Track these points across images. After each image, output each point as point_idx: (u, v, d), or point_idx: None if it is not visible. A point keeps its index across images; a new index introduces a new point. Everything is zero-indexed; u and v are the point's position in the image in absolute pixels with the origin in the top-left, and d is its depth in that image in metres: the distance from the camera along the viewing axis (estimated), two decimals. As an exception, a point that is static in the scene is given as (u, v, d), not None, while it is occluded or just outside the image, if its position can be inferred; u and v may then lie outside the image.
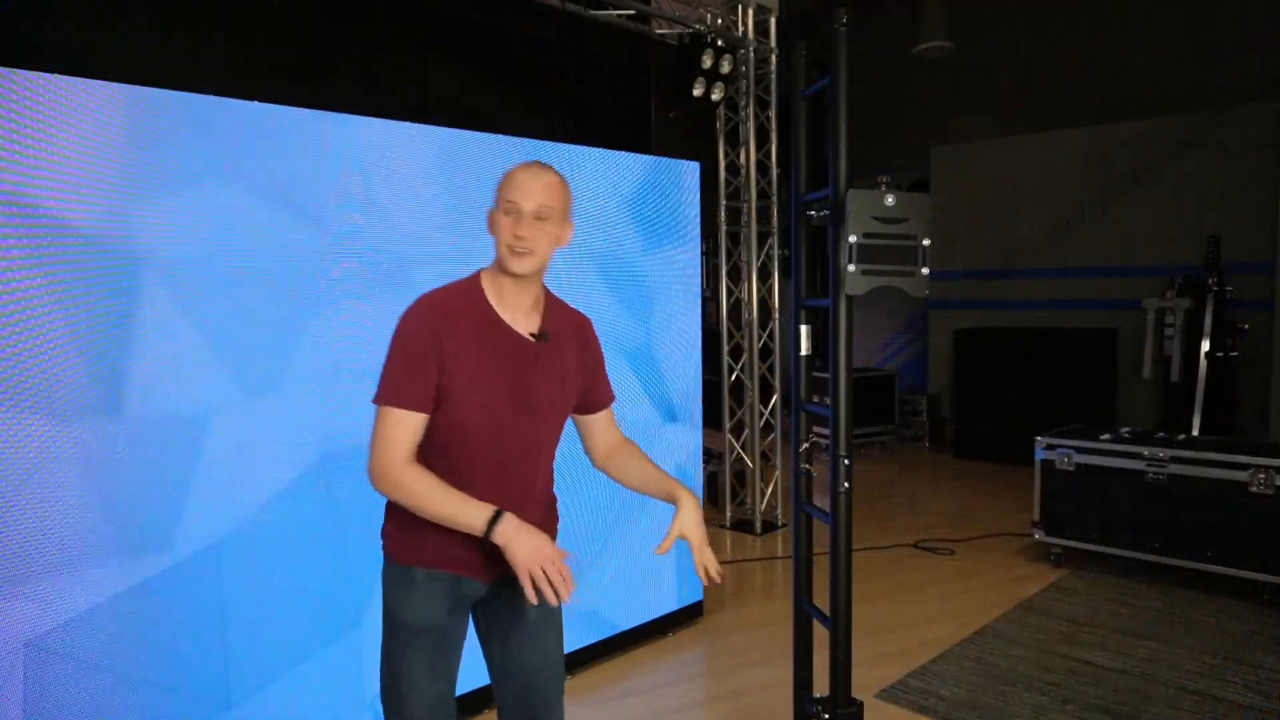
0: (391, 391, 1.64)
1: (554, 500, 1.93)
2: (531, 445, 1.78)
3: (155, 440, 2.33)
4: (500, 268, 1.72)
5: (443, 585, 1.74)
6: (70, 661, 2.22)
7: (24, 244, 2.10)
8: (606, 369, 1.97)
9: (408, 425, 1.64)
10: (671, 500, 1.81)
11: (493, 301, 1.73)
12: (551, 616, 1.89)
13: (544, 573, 1.57)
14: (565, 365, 1.81)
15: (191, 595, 2.41)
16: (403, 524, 1.73)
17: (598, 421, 1.95)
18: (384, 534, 1.80)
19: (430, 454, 1.69)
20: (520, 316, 1.75)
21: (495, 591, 1.81)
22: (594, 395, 1.92)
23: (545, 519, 1.87)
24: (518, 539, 1.59)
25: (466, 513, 1.61)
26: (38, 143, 2.11)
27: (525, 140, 3.13)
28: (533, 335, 1.75)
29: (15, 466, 2.12)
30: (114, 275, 2.24)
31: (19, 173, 2.09)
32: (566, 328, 1.83)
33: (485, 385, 1.68)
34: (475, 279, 1.76)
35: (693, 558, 1.77)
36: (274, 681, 2.58)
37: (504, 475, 1.73)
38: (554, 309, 1.83)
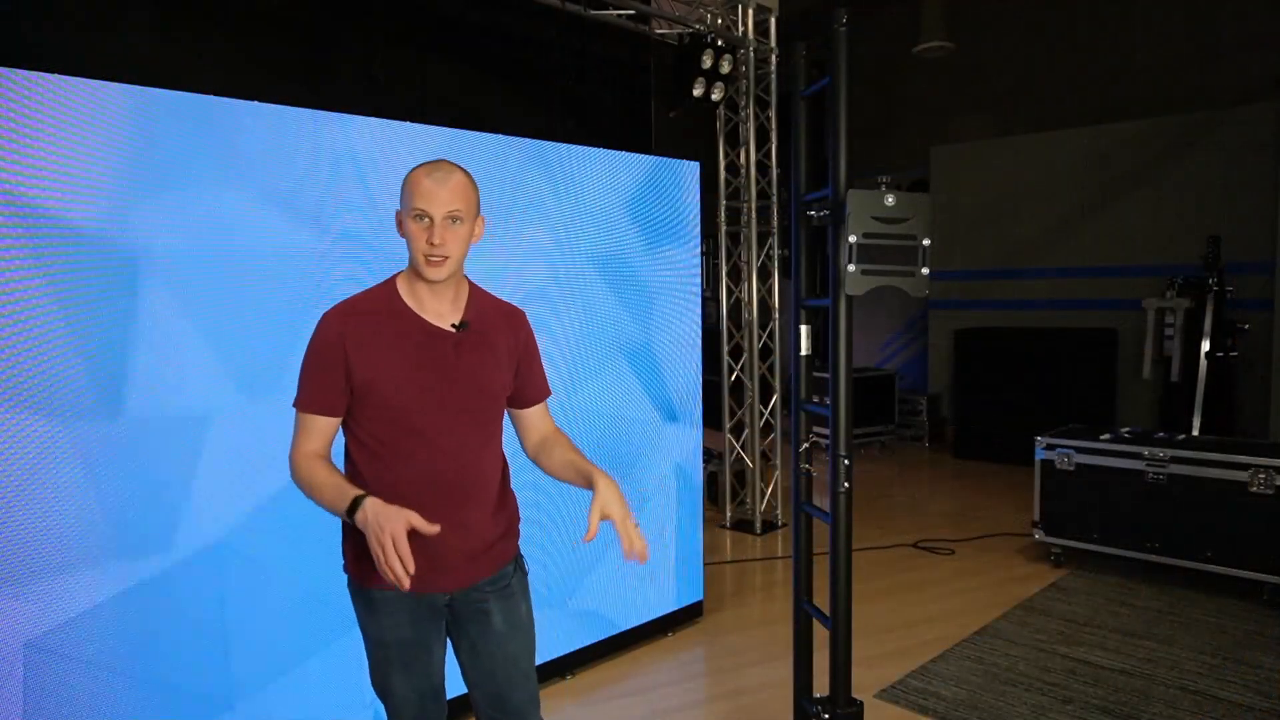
0: (298, 396, 1.73)
1: (508, 496, 1.89)
2: (471, 439, 1.76)
3: (155, 440, 2.33)
4: (416, 274, 1.73)
5: (401, 602, 1.77)
6: (70, 661, 2.22)
7: (24, 244, 2.10)
8: (542, 363, 1.95)
9: (310, 426, 1.71)
10: (589, 485, 1.74)
11: (408, 301, 1.74)
12: (519, 625, 1.87)
13: (384, 547, 1.51)
14: (492, 354, 1.79)
15: (191, 595, 2.41)
16: (356, 546, 1.74)
17: (531, 416, 1.93)
18: (343, 554, 1.84)
19: (366, 454, 1.73)
20: (441, 310, 1.75)
21: (461, 601, 1.83)
22: (526, 389, 1.90)
23: (498, 513, 1.84)
24: (371, 521, 1.54)
25: (337, 500, 1.62)
26: (38, 143, 2.11)
27: (525, 140, 3.13)
28: (453, 326, 1.75)
29: (15, 466, 2.12)
30: (114, 275, 2.25)
31: (19, 173, 2.09)
32: (493, 318, 1.83)
33: (402, 380, 1.69)
34: (390, 281, 1.78)
35: (630, 542, 1.67)
36: (274, 681, 2.59)
37: (438, 470, 1.73)
38: (478, 300, 1.82)
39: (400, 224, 1.72)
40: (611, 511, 1.68)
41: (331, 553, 2.68)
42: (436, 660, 1.87)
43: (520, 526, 1.96)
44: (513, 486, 1.94)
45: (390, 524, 1.52)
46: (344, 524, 1.77)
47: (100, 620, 2.26)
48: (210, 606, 2.44)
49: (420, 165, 1.72)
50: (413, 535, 1.57)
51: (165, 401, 2.34)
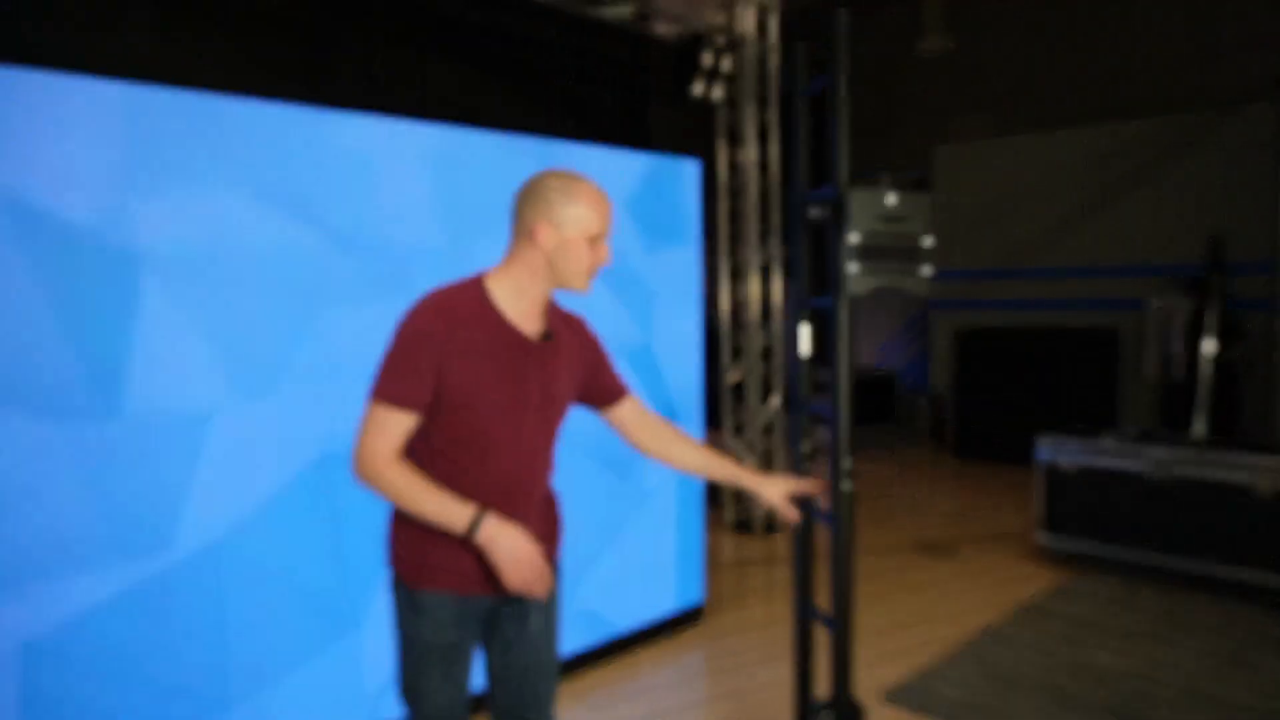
0: (386, 388, 1.63)
1: (553, 495, 1.93)
2: (540, 444, 1.79)
3: (155, 440, 2.32)
4: (565, 284, 1.74)
5: (451, 605, 1.74)
6: (69, 662, 2.21)
7: (24, 244, 2.10)
8: (611, 363, 1.98)
9: (396, 423, 1.63)
10: (740, 485, 1.98)
11: (503, 307, 1.71)
12: (552, 625, 1.90)
13: (522, 573, 1.61)
14: (568, 362, 1.82)
15: (191, 595, 2.40)
16: (409, 544, 1.73)
17: (626, 412, 1.97)
18: (392, 555, 1.78)
19: (440, 456, 1.69)
20: (531, 319, 1.75)
21: (504, 604, 1.82)
22: (608, 386, 1.94)
23: (546, 514, 1.88)
24: (500, 540, 1.61)
25: (448, 512, 1.61)
26: (38, 143, 2.10)
27: (525, 140, 3.13)
28: (540, 335, 1.76)
29: (15, 466, 2.12)
30: (114, 275, 2.24)
31: (19, 173, 2.08)
32: (565, 326, 1.86)
33: (495, 388, 1.68)
34: (479, 282, 1.72)
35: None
36: (274, 681, 2.58)
37: (514, 475, 1.74)
38: (554, 310, 1.85)
39: (563, 242, 1.69)
40: (809, 489, 1.94)
41: (331, 553, 2.68)
42: (468, 667, 1.85)
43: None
44: None
45: (526, 550, 1.62)
46: (394, 522, 1.76)
47: (99, 620, 2.25)
48: (210, 606, 2.44)
49: (586, 185, 1.72)
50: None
51: (165, 401, 2.33)
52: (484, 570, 1.71)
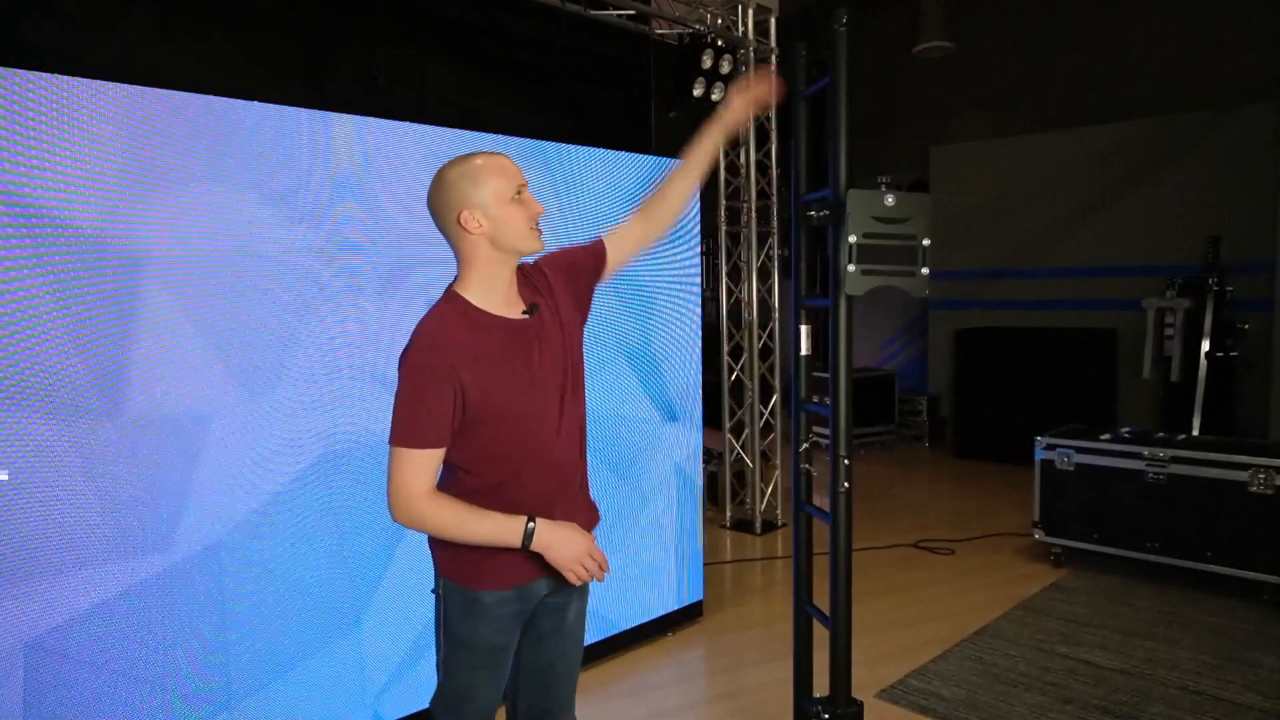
0: (404, 432, 1.62)
1: (587, 480, 1.93)
2: (569, 415, 1.77)
3: (155, 440, 2.33)
4: (521, 251, 1.72)
5: (511, 606, 1.75)
6: (70, 661, 2.22)
7: (24, 244, 2.10)
8: (570, 249, 1.92)
9: (422, 462, 1.62)
10: (709, 138, 1.93)
11: (482, 305, 1.70)
12: (582, 620, 1.93)
13: (584, 566, 1.69)
14: (558, 313, 1.80)
15: (191, 595, 2.41)
16: (464, 549, 1.70)
17: (616, 247, 1.92)
18: (442, 558, 1.76)
19: (487, 463, 1.69)
20: (510, 302, 1.74)
21: (557, 589, 1.81)
22: (590, 268, 1.89)
23: (587, 499, 1.89)
24: (557, 541, 1.67)
25: (500, 531, 1.64)
26: (38, 143, 2.11)
27: (525, 140, 3.13)
28: (524, 313, 1.74)
29: (15, 466, 2.12)
30: (114, 275, 2.24)
31: (19, 173, 2.09)
32: (533, 285, 1.81)
33: (511, 386, 1.67)
34: (453, 296, 1.72)
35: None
36: (274, 681, 2.59)
37: (556, 458, 1.74)
38: (521, 277, 1.80)
39: (493, 217, 1.66)
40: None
41: (331, 553, 2.69)
42: (510, 661, 1.85)
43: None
44: None
45: (584, 544, 1.69)
46: None
47: (100, 620, 2.26)
48: (210, 606, 2.44)
49: (480, 157, 1.71)
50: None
51: (165, 401, 2.34)
52: (541, 559, 1.72)
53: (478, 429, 1.66)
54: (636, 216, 1.92)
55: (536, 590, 1.77)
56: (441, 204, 1.69)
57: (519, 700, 1.90)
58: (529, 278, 1.82)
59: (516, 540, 1.64)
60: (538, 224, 1.71)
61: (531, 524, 1.65)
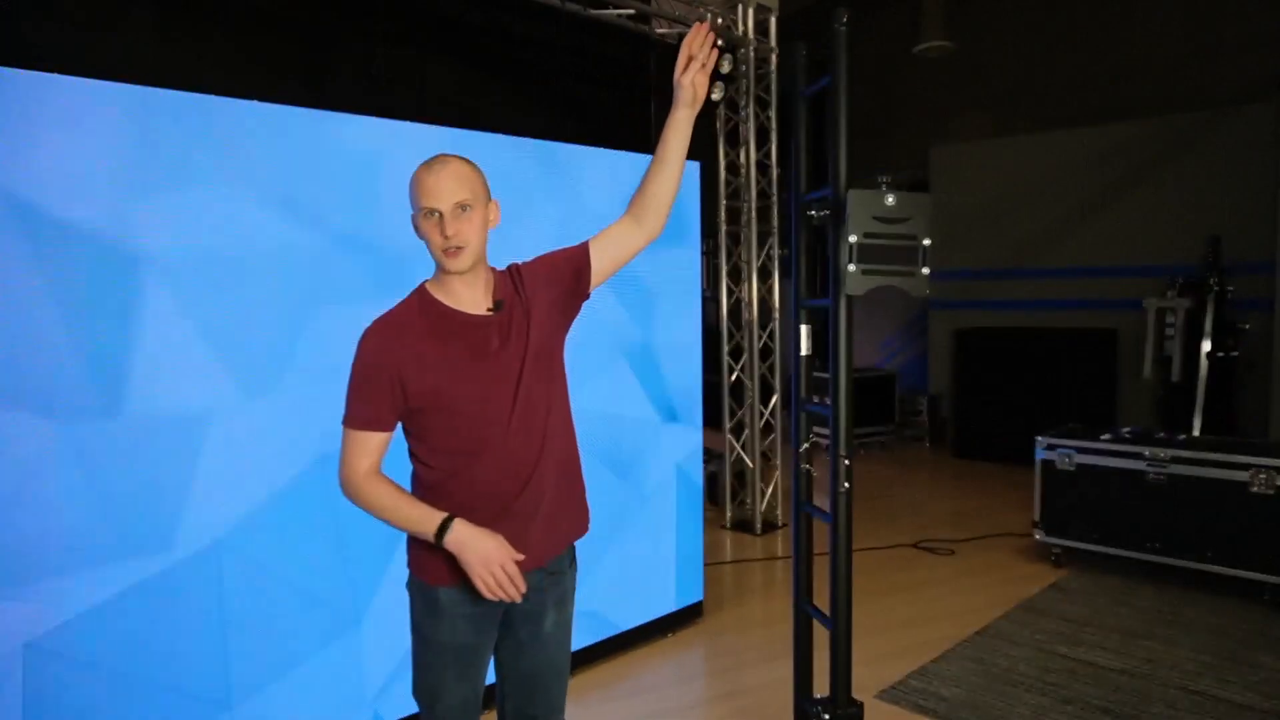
0: (347, 413, 1.72)
1: (576, 468, 1.89)
2: (532, 412, 1.75)
3: (155, 440, 2.33)
4: (441, 271, 1.71)
5: (468, 605, 1.74)
6: (70, 662, 2.22)
7: (24, 244, 2.10)
8: (553, 254, 1.88)
9: (363, 443, 1.70)
10: (675, 123, 1.79)
11: (442, 298, 1.73)
12: (565, 626, 1.91)
13: (494, 577, 1.64)
14: (529, 313, 1.78)
15: (191, 595, 2.41)
16: (426, 543, 1.72)
17: (607, 248, 1.86)
18: (408, 553, 1.80)
19: (439, 455, 1.71)
20: (475, 299, 1.74)
21: (520, 601, 1.79)
22: (573, 271, 1.83)
23: (566, 501, 1.85)
24: (471, 544, 1.64)
25: (422, 522, 1.66)
26: (38, 143, 2.11)
27: (525, 140, 3.13)
28: (489, 310, 1.74)
29: (15, 466, 2.12)
30: (114, 275, 2.24)
31: (19, 173, 2.09)
32: (509, 285, 1.80)
33: (460, 375, 1.68)
34: (418, 289, 1.77)
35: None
36: (274, 681, 2.59)
37: (512, 452, 1.72)
38: (500, 279, 1.81)
39: (416, 228, 1.71)
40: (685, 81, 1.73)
41: (331, 553, 2.69)
42: (484, 666, 1.85)
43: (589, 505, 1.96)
44: None
45: (497, 554, 1.63)
46: None
47: (100, 620, 2.26)
48: (210, 606, 2.44)
49: (421, 164, 1.71)
50: (494, 520, 1.67)
51: (165, 401, 2.34)
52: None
53: (425, 418, 1.70)
54: (626, 216, 1.89)
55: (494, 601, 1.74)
56: None
57: (506, 706, 1.91)
58: (510, 278, 1.82)
59: (430, 532, 1.64)
60: (453, 248, 1.65)
61: (449, 519, 1.65)
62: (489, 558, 1.63)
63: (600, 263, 1.86)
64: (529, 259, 1.88)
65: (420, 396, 1.67)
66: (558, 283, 1.83)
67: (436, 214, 1.65)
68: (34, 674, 2.17)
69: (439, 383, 1.67)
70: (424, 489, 1.75)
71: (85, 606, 2.24)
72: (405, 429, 1.75)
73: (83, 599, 2.23)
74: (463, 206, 1.66)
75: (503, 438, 1.70)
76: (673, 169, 1.82)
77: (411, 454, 1.77)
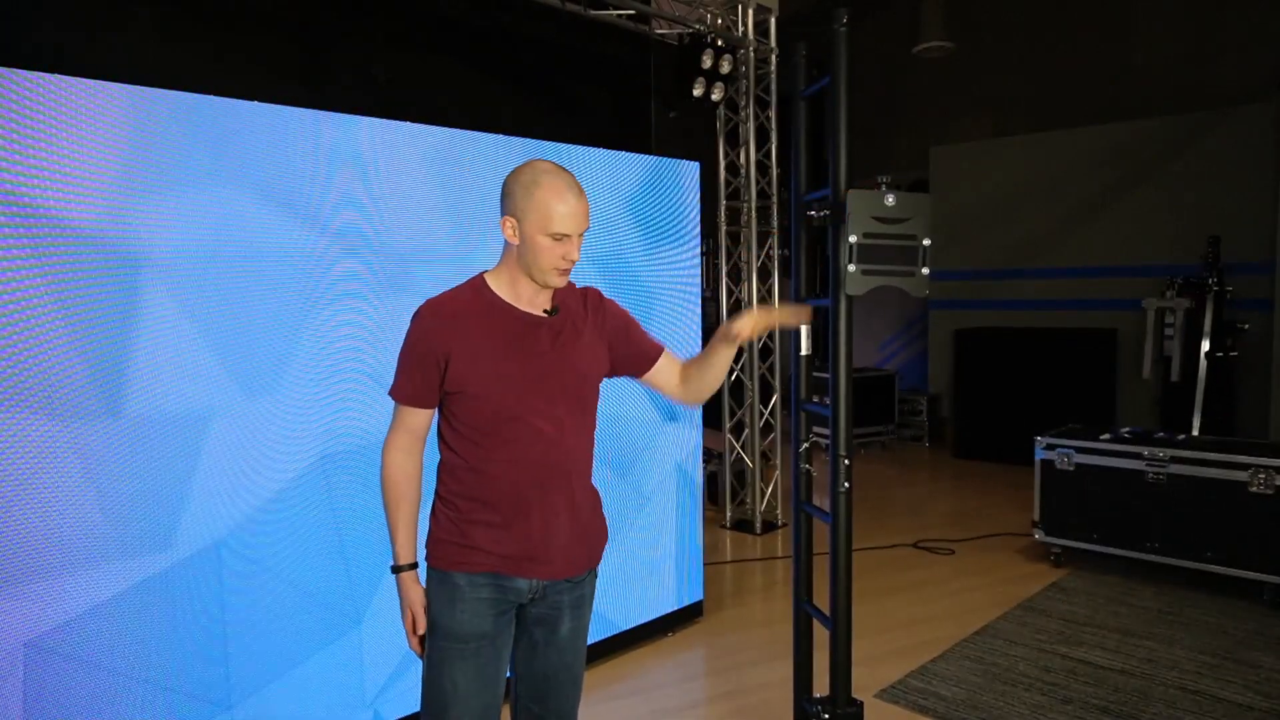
0: (393, 384, 1.78)
1: (596, 495, 1.93)
2: (563, 420, 1.77)
3: (155, 440, 2.33)
4: (534, 280, 1.74)
5: (487, 590, 1.75)
6: (70, 661, 2.22)
7: (24, 244, 2.10)
8: (639, 326, 1.96)
9: (406, 418, 1.77)
10: (721, 347, 1.84)
11: (502, 294, 1.76)
12: (581, 632, 1.90)
13: (407, 623, 1.80)
14: (584, 335, 1.82)
15: (191, 595, 2.41)
16: (448, 527, 1.77)
17: (662, 370, 1.95)
18: (429, 540, 1.82)
19: (465, 442, 1.74)
20: (534, 300, 1.78)
21: (540, 600, 1.81)
22: (639, 352, 1.93)
23: (592, 505, 1.89)
24: (402, 595, 1.80)
25: (395, 540, 1.79)
26: (38, 143, 2.11)
27: (525, 140, 3.13)
28: (545, 312, 1.78)
29: (16, 467, 2.12)
30: (114, 275, 2.24)
31: (19, 173, 2.09)
32: (574, 302, 1.86)
33: (501, 368, 1.71)
34: (477, 279, 1.80)
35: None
36: (274, 681, 2.59)
37: (539, 455, 1.74)
38: (568, 290, 1.85)
39: (525, 238, 1.70)
40: (741, 330, 1.78)
41: (331, 553, 2.69)
42: (503, 669, 1.81)
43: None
44: None
45: (406, 621, 1.79)
46: (434, 508, 1.82)
47: (100, 620, 2.26)
48: (210, 607, 2.44)
49: (550, 178, 1.69)
50: (514, 518, 1.74)
51: (165, 401, 2.34)
52: (526, 557, 1.75)
53: (458, 403, 1.73)
54: (682, 371, 1.97)
55: (515, 586, 1.77)
56: (502, 194, 1.74)
57: (518, 708, 1.90)
58: (583, 296, 1.88)
59: (393, 559, 1.79)
60: (567, 268, 1.73)
61: (406, 570, 1.79)
62: (403, 619, 1.80)
63: (652, 374, 1.95)
64: (614, 302, 1.95)
65: (458, 380, 1.70)
66: (618, 342, 1.90)
67: (566, 238, 1.70)
68: (34, 673, 2.17)
69: (479, 371, 1.70)
70: (446, 473, 1.79)
71: (86, 605, 2.24)
72: (440, 412, 1.79)
73: (83, 598, 2.23)
74: (582, 235, 1.74)
75: (529, 440, 1.73)
76: (720, 373, 1.91)
77: (440, 437, 1.80)
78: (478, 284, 1.78)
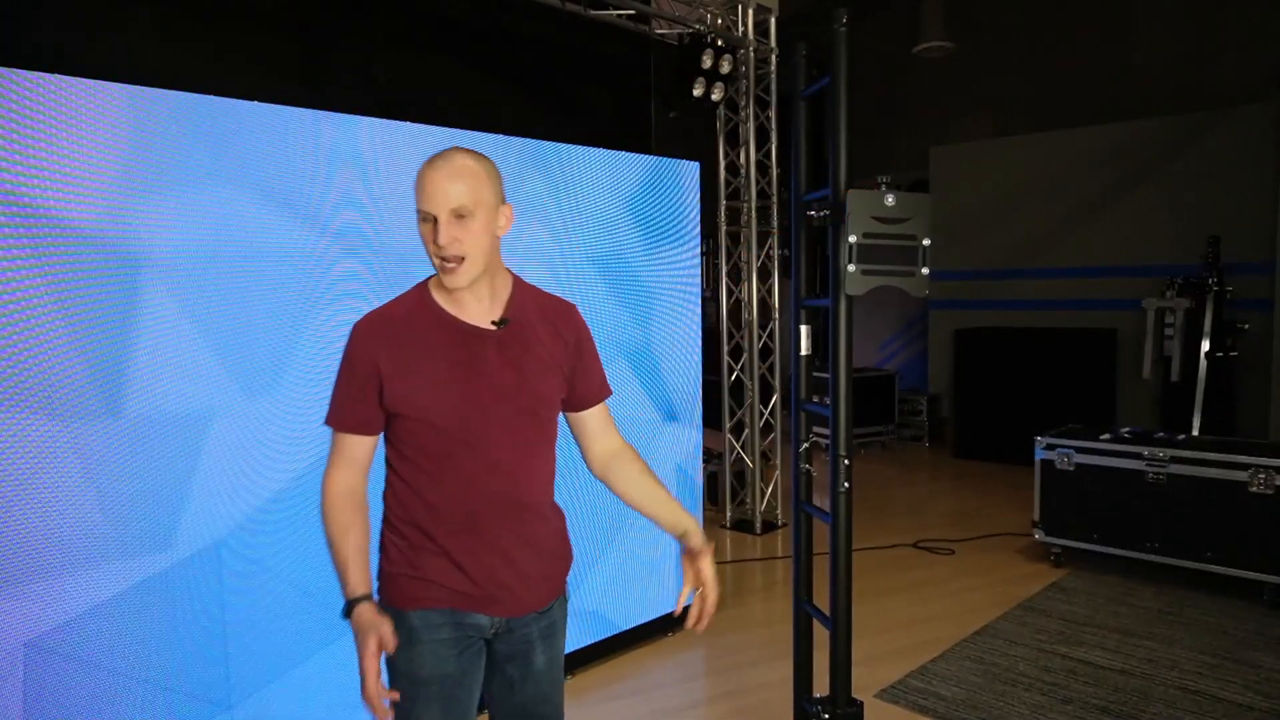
0: (330, 413, 1.61)
1: (558, 513, 1.77)
2: (514, 445, 1.61)
3: (155, 440, 2.33)
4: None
5: (446, 630, 1.60)
6: (70, 661, 2.22)
7: (24, 244, 2.10)
8: (600, 362, 1.79)
9: (345, 447, 1.60)
10: (682, 539, 1.67)
11: (442, 303, 1.59)
12: (556, 660, 1.77)
13: (361, 659, 1.52)
14: (538, 352, 1.64)
15: (191, 595, 2.41)
16: (398, 559, 1.61)
17: (588, 420, 1.77)
18: (380, 575, 1.65)
19: (410, 467, 1.59)
20: (479, 309, 1.60)
21: (505, 635, 1.67)
22: (580, 388, 1.72)
23: (549, 535, 1.71)
24: (358, 635, 1.52)
25: (344, 577, 1.55)
26: (38, 143, 2.11)
27: (525, 140, 3.13)
28: (493, 323, 1.60)
29: (16, 467, 2.12)
30: (114, 275, 2.24)
31: (19, 173, 2.09)
32: (537, 314, 1.67)
33: (441, 386, 1.55)
34: (422, 284, 1.64)
35: (692, 596, 1.64)
36: (274, 681, 2.59)
37: (487, 482, 1.58)
38: (522, 295, 1.67)
39: (419, 230, 1.56)
40: (708, 589, 1.62)
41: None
42: (471, 707, 1.67)
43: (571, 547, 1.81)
44: None
45: (361, 657, 1.50)
46: (382, 538, 1.66)
47: (100, 620, 2.26)
48: (210, 607, 2.44)
49: (427, 160, 1.54)
50: (466, 551, 1.56)
51: (165, 401, 2.34)
52: (481, 591, 1.60)
53: (400, 426, 1.58)
54: (621, 468, 1.82)
55: (475, 623, 1.62)
56: None
57: None
58: (548, 314, 1.69)
59: (343, 593, 1.54)
60: (450, 261, 1.51)
61: (360, 600, 1.53)
62: (359, 654, 1.52)
63: (577, 417, 1.78)
64: (585, 326, 1.77)
65: (394, 401, 1.55)
66: (574, 370, 1.71)
67: (431, 219, 1.50)
68: (34, 673, 2.17)
69: (418, 391, 1.54)
70: (392, 497, 1.63)
71: (86, 605, 2.24)
72: (384, 435, 1.64)
73: (83, 598, 2.23)
74: (460, 214, 1.49)
75: (474, 468, 1.57)
76: (645, 512, 1.79)
77: (386, 461, 1.65)
78: (421, 292, 1.60)
